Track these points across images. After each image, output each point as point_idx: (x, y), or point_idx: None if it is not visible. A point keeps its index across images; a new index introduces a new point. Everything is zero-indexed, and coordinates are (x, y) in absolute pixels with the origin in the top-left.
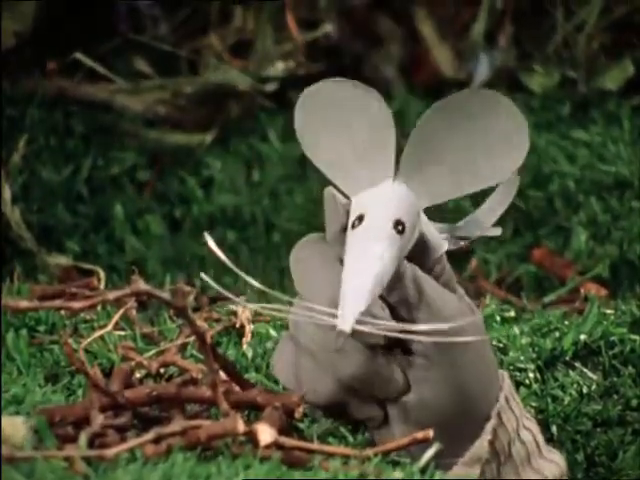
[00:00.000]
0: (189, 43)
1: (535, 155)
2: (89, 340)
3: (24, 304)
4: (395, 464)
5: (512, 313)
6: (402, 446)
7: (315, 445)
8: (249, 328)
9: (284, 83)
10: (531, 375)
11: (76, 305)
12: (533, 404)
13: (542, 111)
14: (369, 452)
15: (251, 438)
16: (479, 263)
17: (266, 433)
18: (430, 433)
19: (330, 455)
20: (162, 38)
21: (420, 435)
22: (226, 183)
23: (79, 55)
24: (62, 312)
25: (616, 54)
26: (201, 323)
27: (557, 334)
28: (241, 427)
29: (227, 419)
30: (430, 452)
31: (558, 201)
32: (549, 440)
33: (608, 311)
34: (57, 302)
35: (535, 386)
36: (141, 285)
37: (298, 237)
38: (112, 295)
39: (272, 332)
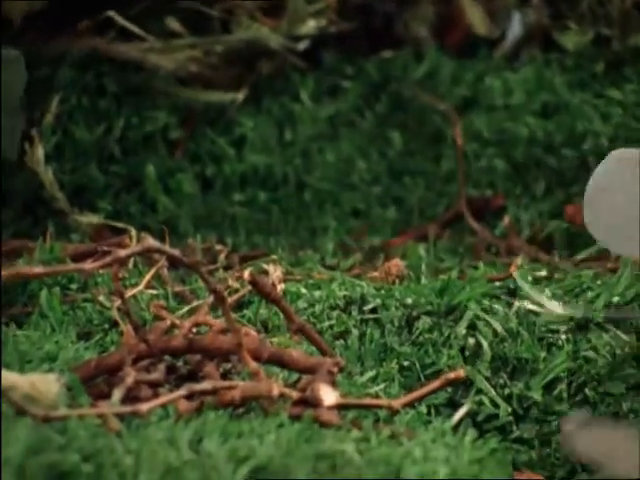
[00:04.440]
0: (221, 2)
1: (568, 114)
2: (122, 299)
3: (37, 270)
4: (427, 423)
5: (544, 272)
6: (435, 389)
7: (377, 400)
8: (280, 287)
9: (316, 41)
10: (563, 337)
11: (88, 266)
12: (565, 365)
13: (576, 70)
14: (405, 399)
15: (306, 399)
16: (511, 220)
17: (330, 394)
18: (462, 372)
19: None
20: None
21: (452, 375)
22: (258, 142)
23: (111, 14)
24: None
25: None
26: (232, 282)
27: (589, 295)
28: (276, 390)
29: (263, 381)
30: (462, 410)
31: (591, 158)
32: (583, 402)
33: None
34: (71, 266)
35: (568, 347)
36: (151, 242)
37: (329, 196)
38: (123, 253)
39: (303, 290)
